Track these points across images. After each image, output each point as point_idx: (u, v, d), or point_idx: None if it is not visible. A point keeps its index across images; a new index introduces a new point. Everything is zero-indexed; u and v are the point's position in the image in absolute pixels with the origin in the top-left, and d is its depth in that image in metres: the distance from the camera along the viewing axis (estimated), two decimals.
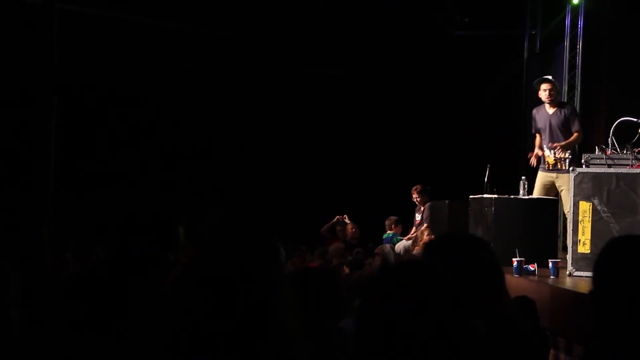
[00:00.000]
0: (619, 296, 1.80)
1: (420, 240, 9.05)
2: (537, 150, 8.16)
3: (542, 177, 8.15)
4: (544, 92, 8.15)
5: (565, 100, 11.14)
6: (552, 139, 8.05)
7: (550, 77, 8.35)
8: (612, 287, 1.82)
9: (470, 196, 8.45)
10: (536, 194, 8.08)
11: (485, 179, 8.64)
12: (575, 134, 8.06)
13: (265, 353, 1.51)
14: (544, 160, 8.10)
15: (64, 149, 11.66)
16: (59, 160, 11.42)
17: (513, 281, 6.70)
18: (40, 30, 11.10)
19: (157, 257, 2.65)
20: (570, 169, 6.91)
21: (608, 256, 1.88)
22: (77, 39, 11.68)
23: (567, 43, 11.15)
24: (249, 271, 1.59)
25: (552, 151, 8.01)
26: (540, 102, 8.32)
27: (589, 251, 6.52)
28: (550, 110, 8.18)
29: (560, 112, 8.13)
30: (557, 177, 7.99)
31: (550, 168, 8.01)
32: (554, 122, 8.11)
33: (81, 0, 11.60)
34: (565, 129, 8.06)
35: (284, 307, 1.58)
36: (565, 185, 7.58)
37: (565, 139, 8.03)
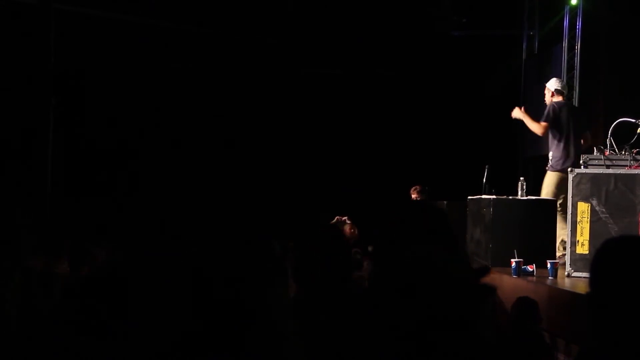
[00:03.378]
0: (614, 296, 1.80)
1: None
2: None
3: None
4: None
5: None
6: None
7: (550, 81, 8.38)
8: (607, 287, 1.82)
9: (469, 197, 8.45)
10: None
11: (484, 180, 8.64)
12: (539, 123, 8.08)
13: (256, 351, 1.51)
14: None
15: (62, 149, 11.66)
16: (56, 159, 11.44)
17: (511, 282, 6.71)
18: (37, 31, 11.12)
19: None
20: (569, 169, 6.91)
21: (603, 257, 1.88)
22: (75, 40, 11.68)
23: (565, 44, 11.15)
24: (240, 269, 1.59)
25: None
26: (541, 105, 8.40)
27: (587, 252, 6.52)
28: None
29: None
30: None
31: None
32: None
33: (78, 0, 11.59)
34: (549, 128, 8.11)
35: (277, 304, 1.58)
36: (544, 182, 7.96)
37: (552, 140, 8.07)
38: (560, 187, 7.71)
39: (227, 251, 1.72)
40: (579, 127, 8.09)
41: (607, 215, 6.56)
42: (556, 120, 7.98)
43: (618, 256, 1.86)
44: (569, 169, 6.86)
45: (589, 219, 6.60)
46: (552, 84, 8.28)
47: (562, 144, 7.94)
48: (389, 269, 1.75)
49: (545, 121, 7.98)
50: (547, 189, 7.96)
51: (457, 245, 2.31)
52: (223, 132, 13.03)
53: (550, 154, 8.01)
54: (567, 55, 11.09)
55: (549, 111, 8.01)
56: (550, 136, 8.02)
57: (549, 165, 8.01)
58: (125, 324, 2.22)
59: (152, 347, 1.74)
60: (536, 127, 8.01)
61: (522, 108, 8.27)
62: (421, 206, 2.56)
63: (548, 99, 8.21)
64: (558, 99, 8.16)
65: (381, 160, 13.02)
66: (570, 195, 6.71)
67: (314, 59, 13.09)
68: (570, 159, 7.79)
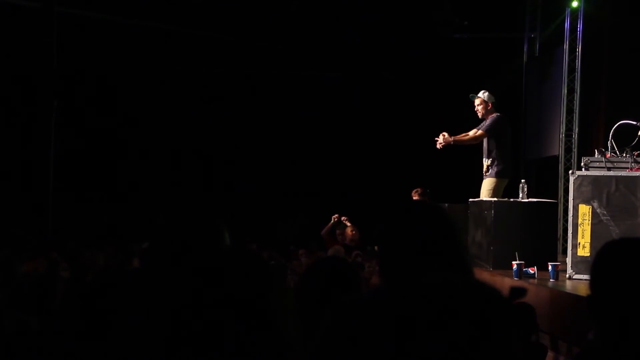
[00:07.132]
0: (614, 299, 1.80)
1: None
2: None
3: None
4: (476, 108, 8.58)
5: (564, 103, 11.17)
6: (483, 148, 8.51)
7: (481, 92, 8.55)
8: (607, 290, 1.82)
9: (470, 199, 8.46)
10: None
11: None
12: (475, 133, 8.43)
13: (262, 357, 1.50)
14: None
15: (63, 150, 11.68)
16: (58, 162, 11.45)
17: (513, 284, 6.70)
18: (39, 34, 11.12)
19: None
20: (570, 171, 6.93)
21: (604, 259, 1.88)
22: (75, 43, 11.69)
23: (566, 46, 11.15)
24: (246, 275, 1.59)
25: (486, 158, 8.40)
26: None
27: (588, 254, 6.52)
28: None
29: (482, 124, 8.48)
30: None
31: (484, 172, 8.44)
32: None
33: (81, 3, 11.60)
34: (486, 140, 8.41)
35: (283, 310, 1.57)
36: (482, 188, 8.30)
37: (487, 150, 8.37)
38: (499, 191, 8.23)
39: (229, 254, 1.71)
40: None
41: (609, 218, 6.55)
42: (502, 132, 8.37)
43: (619, 258, 1.85)
44: (571, 172, 6.91)
45: (590, 222, 6.60)
46: (488, 96, 8.57)
47: (506, 153, 8.35)
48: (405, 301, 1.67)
49: (487, 131, 8.34)
50: (491, 193, 8.25)
51: (463, 256, 2.15)
52: (223, 134, 13.03)
53: (489, 161, 8.34)
54: (569, 57, 11.10)
55: (496, 124, 8.35)
56: (494, 146, 8.34)
57: (493, 172, 8.30)
58: (125, 327, 2.22)
59: (153, 352, 1.74)
60: (476, 137, 8.43)
61: (444, 136, 8.58)
62: (425, 210, 2.31)
63: (484, 109, 8.48)
64: (494, 110, 8.50)
65: (382, 163, 13.01)
66: (572, 198, 6.71)
67: (315, 62, 13.09)
68: (511, 165, 8.42)
